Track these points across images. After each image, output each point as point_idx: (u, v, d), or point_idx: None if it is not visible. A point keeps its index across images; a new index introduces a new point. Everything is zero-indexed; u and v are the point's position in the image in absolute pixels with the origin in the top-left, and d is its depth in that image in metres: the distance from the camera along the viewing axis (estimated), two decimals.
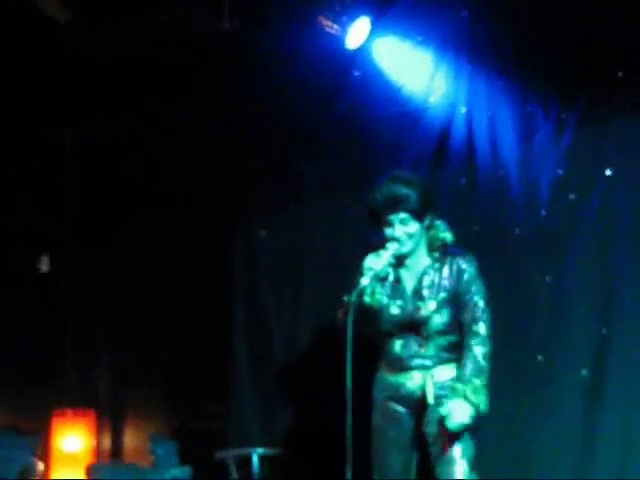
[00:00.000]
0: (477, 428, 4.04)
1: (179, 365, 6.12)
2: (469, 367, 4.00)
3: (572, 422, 4.82)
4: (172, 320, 6.20)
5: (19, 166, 6.40)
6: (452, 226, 4.25)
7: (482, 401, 3.96)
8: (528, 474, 4.86)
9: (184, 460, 5.75)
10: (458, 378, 4.02)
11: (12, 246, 6.48)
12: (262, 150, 5.88)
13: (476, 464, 4.03)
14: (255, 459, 5.13)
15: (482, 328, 4.06)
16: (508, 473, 4.87)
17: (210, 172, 5.96)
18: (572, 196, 4.95)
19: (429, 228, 4.16)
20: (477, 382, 3.97)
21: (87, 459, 6.48)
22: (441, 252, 4.15)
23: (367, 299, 4.00)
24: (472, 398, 3.94)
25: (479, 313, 4.08)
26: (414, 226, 4.08)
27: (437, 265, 4.14)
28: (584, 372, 4.82)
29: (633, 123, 4.81)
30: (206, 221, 6.03)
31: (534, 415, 4.91)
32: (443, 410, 3.94)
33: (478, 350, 4.03)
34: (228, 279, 5.98)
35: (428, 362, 4.09)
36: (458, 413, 3.93)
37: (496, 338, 4.10)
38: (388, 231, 4.07)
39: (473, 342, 4.04)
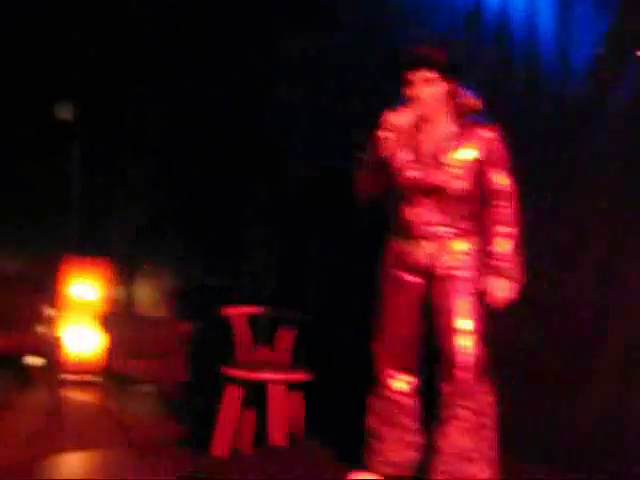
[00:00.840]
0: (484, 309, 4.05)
1: (193, 220, 6.08)
2: (506, 245, 3.99)
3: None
4: (188, 176, 6.13)
5: None
6: (481, 95, 4.13)
7: (521, 275, 3.99)
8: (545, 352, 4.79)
9: (197, 316, 5.81)
10: (495, 254, 3.99)
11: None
12: None
13: (483, 339, 4.02)
14: (263, 317, 5.14)
15: (510, 202, 4.02)
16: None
17: None
18: (607, 75, 4.80)
19: (456, 94, 4.04)
20: (517, 258, 4.00)
21: (101, 308, 6.56)
22: (467, 119, 4.05)
23: (385, 152, 3.91)
24: (515, 274, 3.98)
25: (506, 186, 4.04)
26: (438, 87, 3.97)
27: (461, 132, 4.04)
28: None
29: None
30: None
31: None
32: (489, 286, 3.96)
33: (511, 226, 4.00)
34: None
35: (442, 230, 4.03)
36: (501, 291, 3.98)
37: (518, 222, 4.04)
38: (413, 91, 3.97)
39: (501, 216, 4.01)
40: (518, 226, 4.03)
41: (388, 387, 4.21)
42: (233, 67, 5.90)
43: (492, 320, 4.07)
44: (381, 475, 4.19)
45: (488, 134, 4.03)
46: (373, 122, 3.98)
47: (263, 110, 5.79)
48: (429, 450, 4.09)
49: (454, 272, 4.01)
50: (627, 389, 4.55)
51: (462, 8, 5.11)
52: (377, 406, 4.24)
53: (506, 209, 4.02)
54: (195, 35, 6.02)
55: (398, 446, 4.19)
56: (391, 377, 4.21)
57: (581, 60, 4.84)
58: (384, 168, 3.99)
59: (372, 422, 4.24)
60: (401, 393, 4.21)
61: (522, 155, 4.17)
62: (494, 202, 4.03)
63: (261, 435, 4.78)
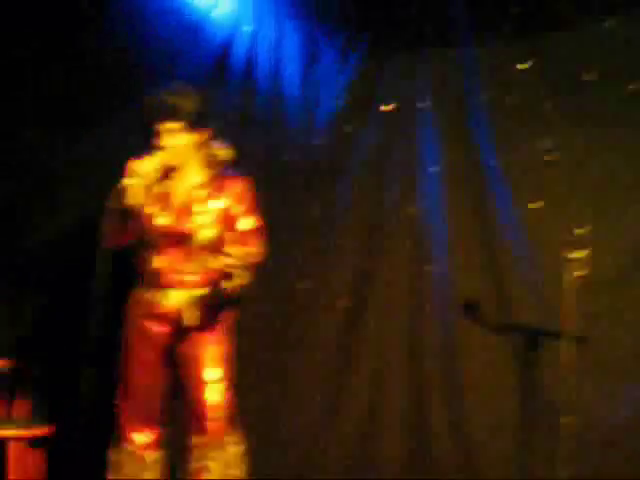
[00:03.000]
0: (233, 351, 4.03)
1: None
2: (233, 256, 3.90)
3: (327, 350, 4.92)
4: None
5: None
6: (229, 146, 4.13)
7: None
8: (288, 392, 4.94)
9: None
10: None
11: None
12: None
13: (231, 386, 3.99)
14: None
15: (249, 246, 4.00)
16: (266, 394, 4.92)
17: None
18: (348, 128, 4.97)
19: (204, 144, 4.02)
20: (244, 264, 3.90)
21: None
22: (216, 170, 4.03)
23: (130, 200, 3.78)
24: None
25: (254, 227, 4.02)
26: (185, 137, 3.92)
27: (212, 182, 4.02)
28: (343, 302, 4.90)
29: (411, 61, 4.90)
30: None
31: (293, 339, 4.97)
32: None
33: (245, 254, 3.95)
34: None
35: (189, 279, 3.96)
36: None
37: (263, 257, 4.03)
38: (158, 141, 3.89)
39: (242, 249, 3.96)
40: (255, 262, 3.98)
41: (131, 441, 4.07)
42: None
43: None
44: None
45: (237, 185, 4.03)
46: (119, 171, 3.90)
47: None
48: None
49: (201, 321, 3.93)
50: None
51: (209, 56, 5.12)
52: (119, 460, 4.07)
53: (252, 243, 3.99)
54: None
55: None
56: (134, 431, 4.06)
57: (325, 111, 4.97)
58: (130, 217, 3.89)
59: (113, 477, 4.07)
60: (145, 447, 4.07)
61: (271, 204, 4.22)
62: (241, 238, 3.99)
63: None
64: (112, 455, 4.08)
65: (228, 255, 3.73)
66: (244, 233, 4.01)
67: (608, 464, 4.39)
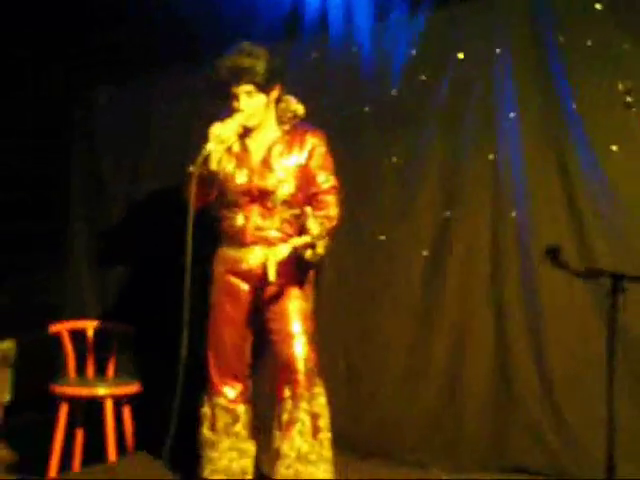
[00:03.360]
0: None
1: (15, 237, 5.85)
2: (314, 226, 3.81)
3: (410, 296, 4.93)
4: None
5: None
6: (302, 100, 4.17)
7: (322, 247, 3.80)
8: (367, 343, 4.97)
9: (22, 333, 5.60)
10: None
11: None
12: (100, 23, 5.55)
13: (315, 339, 4.04)
14: (91, 332, 5.01)
15: (333, 202, 4.04)
16: (349, 342, 4.98)
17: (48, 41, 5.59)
18: (423, 77, 4.94)
19: (278, 101, 4.08)
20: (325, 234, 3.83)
21: None
22: (291, 125, 4.09)
23: (213, 165, 3.84)
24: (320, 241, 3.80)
25: (330, 186, 4.06)
26: (260, 98, 3.97)
27: (287, 138, 4.07)
28: (425, 253, 4.90)
29: (482, 8, 4.82)
30: (46, 91, 5.71)
31: (375, 288, 4.99)
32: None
33: (328, 218, 3.98)
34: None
35: (271, 235, 4.03)
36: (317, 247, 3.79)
37: (340, 220, 4.08)
38: (235, 103, 3.95)
39: (323, 212, 4.00)
40: (336, 223, 4.02)
41: (221, 395, 4.18)
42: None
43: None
44: None
45: (312, 139, 4.07)
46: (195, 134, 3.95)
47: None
48: (267, 454, 4.07)
49: (285, 277, 3.99)
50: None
51: (280, 12, 5.13)
52: (210, 415, 4.20)
53: (327, 208, 4.02)
54: None
55: (232, 454, 4.17)
56: (224, 385, 4.18)
57: (399, 61, 4.94)
58: (213, 180, 3.94)
59: (206, 431, 4.20)
60: (234, 401, 4.19)
61: (338, 157, 4.22)
62: (317, 203, 4.02)
63: (93, 451, 4.67)
64: (206, 409, 4.21)
65: (308, 230, 3.72)
66: (322, 192, 4.04)
67: None
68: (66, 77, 5.69)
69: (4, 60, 5.55)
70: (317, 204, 4.02)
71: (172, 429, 3.61)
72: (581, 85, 4.61)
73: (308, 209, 3.84)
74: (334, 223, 4.01)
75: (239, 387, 4.19)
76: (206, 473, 4.17)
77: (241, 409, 4.20)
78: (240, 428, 4.19)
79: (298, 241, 3.75)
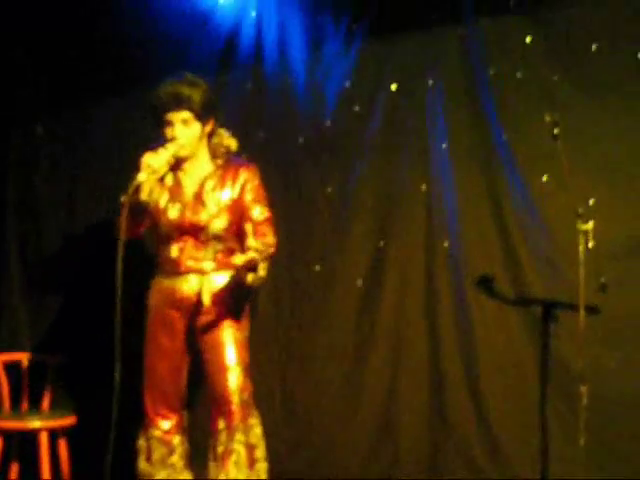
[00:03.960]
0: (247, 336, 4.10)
1: None
2: (256, 243, 3.82)
3: (345, 326, 4.97)
4: None
5: None
6: (237, 132, 4.21)
7: (264, 270, 3.84)
8: (302, 373, 5.01)
9: None
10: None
11: None
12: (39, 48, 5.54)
13: (250, 371, 4.06)
14: (25, 364, 4.97)
15: (269, 233, 4.07)
16: (285, 372, 5.01)
17: None
18: (357, 108, 5.00)
19: (212, 134, 4.10)
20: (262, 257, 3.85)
21: None
22: (224, 160, 4.11)
23: (144, 196, 3.83)
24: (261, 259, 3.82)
25: (264, 218, 4.09)
26: (196, 128, 3.99)
27: (219, 172, 4.10)
28: (359, 283, 4.94)
29: (415, 41, 4.91)
30: None
31: (310, 318, 5.03)
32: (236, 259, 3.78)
33: (261, 249, 3.92)
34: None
35: (206, 266, 4.04)
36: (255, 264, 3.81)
37: (276, 248, 4.10)
38: (169, 131, 3.96)
39: (255, 245, 3.97)
40: (270, 252, 3.99)
41: (156, 427, 4.16)
42: None
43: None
44: None
45: (245, 174, 4.10)
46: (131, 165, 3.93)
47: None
48: None
49: (219, 306, 4.01)
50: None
51: (217, 44, 5.17)
52: (146, 447, 4.18)
53: (263, 238, 4.01)
54: None
55: None
56: (159, 417, 4.16)
57: (332, 92, 5.00)
58: (144, 210, 3.93)
59: (142, 463, 4.18)
60: (169, 432, 4.17)
61: (274, 188, 4.26)
62: (254, 229, 4.02)
63: None
64: (141, 442, 4.19)
65: (249, 249, 3.74)
66: (258, 224, 4.06)
67: (625, 432, 4.42)
68: (5, 107, 5.64)
69: None
70: (256, 235, 4.01)
71: (108, 461, 3.58)
72: (511, 116, 4.71)
73: (247, 226, 3.88)
74: (271, 250, 4.01)
75: (174, 418, 4.18)
76: None
77: (176, 440, 4.18)
78: (176, 459, 4.18)
79: (240, 259, 3.72)
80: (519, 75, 4.69)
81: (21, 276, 5.53)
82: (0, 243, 5.61)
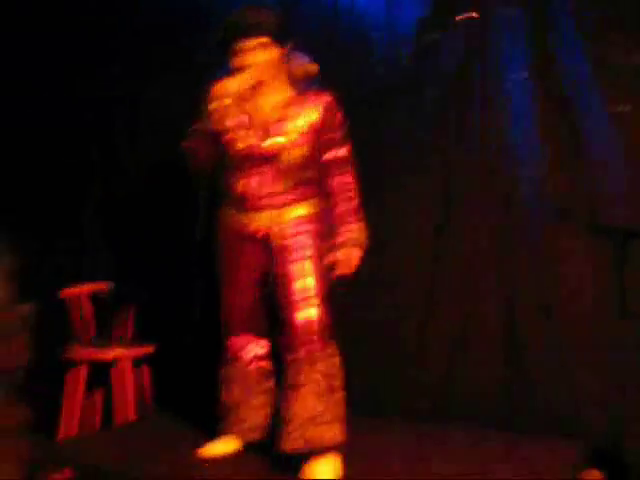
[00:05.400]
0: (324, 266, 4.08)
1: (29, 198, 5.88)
2: (351, 208, 4.02)
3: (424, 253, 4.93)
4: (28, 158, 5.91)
5: None
6: (315, 60, 4.10)
7: (366, 240, 4.04)
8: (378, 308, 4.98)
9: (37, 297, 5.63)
10: (342, 221, 4.02)
11: None
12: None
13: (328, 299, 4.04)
14: (106, 295, 5.07)
15: (350, 167, 4.06)
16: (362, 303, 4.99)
17: None
18: (431, 36, 4.93)
19: (289, 58, 4.00)
20: (361, 223, 4.03)
21: None
22: (304, 85, 4.02)
23: (217, 125, 3.83)
24: (363, 241, 4.03)
25: (345, 153, 4.06)
26: (272, 52, 3.91)
27: (299, 98, 4.01)
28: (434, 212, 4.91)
29: None
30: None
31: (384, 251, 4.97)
32: (337, 256, 3.98)
33: (353, 190, 4.05)
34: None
35: (278, 200, 3.99)
36: (355, 259, 4.01)
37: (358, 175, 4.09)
38: (240, 59, 3.88)
39: (345, 182, 4.05)
40: (357, 193, 4.06)
41: (242, 354, 4.19)
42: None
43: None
44: (245, 442, 4.19)
45: (324, 100, 4.01)
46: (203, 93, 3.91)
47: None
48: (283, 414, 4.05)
49: (293, 239, 3.99)
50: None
51: None
52: (233, 374, 4.21)
53: (347, 175, 4.04)
54: None
55: (259, 411, 4.19)
56: (243, 343, 4.20)
57: (407, 25, 4.94)
58: (216, 139, 3.91)
59: (230, 390, 4.21)
60: (255, 358, 4.20)
61: (354, 120, 4.22)
62: (334, 169, 4.04)
63: (110, 414, 4.73)
64: (223, 372, 4.23)
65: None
66: (335, 160, 4.05)
67: None
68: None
69: None
70: (335, 171, 4.04)
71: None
72: (590, 46, 4.61)
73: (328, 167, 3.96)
74: (356, 192, 4.05)
75: (259, 344, 4.21)
76: (234, 432, 4.19)
77: (263, 365, 4.22)
78: (265, 384, 4.21)
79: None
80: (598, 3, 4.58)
81: (103, 214, 5.62)
82: (82, 179, 5.71)
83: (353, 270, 4.05)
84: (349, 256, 4.02)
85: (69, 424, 4.72)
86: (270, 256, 4.03)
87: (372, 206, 4.22)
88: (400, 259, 4.96)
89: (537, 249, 4.71)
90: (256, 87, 3.94)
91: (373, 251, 4.13)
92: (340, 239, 4.03)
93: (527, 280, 4.71)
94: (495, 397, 4.69)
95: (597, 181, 4.60)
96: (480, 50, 4.86)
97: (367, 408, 4.68)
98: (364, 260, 4.06)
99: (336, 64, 4.92)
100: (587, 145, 4.63)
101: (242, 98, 3.90)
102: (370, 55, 5.04)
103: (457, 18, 4.85)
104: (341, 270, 4.03)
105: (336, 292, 4.08)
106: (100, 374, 4.92)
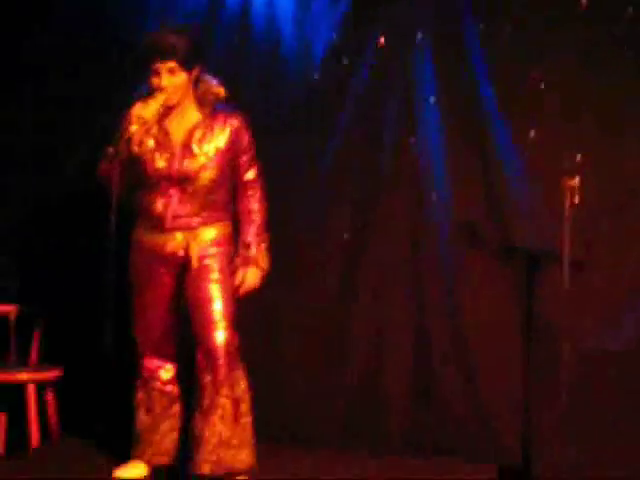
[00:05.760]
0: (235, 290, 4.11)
1: None
2: (252, 231, 4.08)
3: (331, 283, 4.99)
4: None
5: None
6: (224, 83, 4.12)
7: (267, 262, 4.12)
8: (278, 328, 5.03)
9: None
10: (243, 243, 4.07)
11: None
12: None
13: (236, 324, 4.06)
14: (12, 317, 4.98)
15: (258, 190, 4.10)
16: (269, 330, 5.02)
17: None
18: (345, 61, 4.98)
19: (198, 81, 4.02)
20: (263, 245, 4.10)
21: None
22: (212, 107, 4.04)
23: (135, 149, 3.86)
24: (261, 263, 4.09)
25: (254, 175, 4.10)
26: (182, 76, 3.92)
27: (208, 121, 4.03)
28: (345, 236, 4.96)
29: None
30: None
31: (298, 275, 5.02)
32: (237, 278, 4.05)
33: (258, 214, 4.09)
34: None
35: (193, 221, 4.01)
36: (250, 280, 4.07)
37: (266, 202, 4.13)
38: (156, 80, 3.90)
39: (251, 205, 4.09)
40: (264, 214, 4.11)
41: (156, 378, 4.21)
42: None
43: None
44: (154, 466, 4.20)
45: (234, 122, 4.05)
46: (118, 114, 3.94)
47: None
48: (191, 438, 4.07)
49: (205, 261, 4.01)
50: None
51: None
52: (143, 398, 4.22)
53: (253, 198, 4.10)
54: None
55: (172, 435, 4.22)
56: (157, 368, 4.22)
57: (320, 46, 4.97)
58: (131, 162, 3.93)
59: (139, 415, 4.22)
60: (168, 382, 4.23)
61: (266, 142, 4.24)
62: (242, 191, 4.10)
63: (13, 439, 4.66)
64: (140, 395, 4.22)
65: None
66: (245, 182, 4.10)
67: (605, 391, 4.48)
68: None
69: None
70: (243, 194, 4.10)
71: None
72: (499, 70, 4.70)
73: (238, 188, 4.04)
74: (262, 215, 4.12)
75: (172, 369, 4.23)
76: (143, 456, 4.19)
77: (174, 389, 4.24)
78: (178, 408, 4.23)
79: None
80: (508, 30, 4.67)
81: (6, 230, 5.51)
82: None
83: (252, 290, 4.09)
84: (248, 276, 4.07)
85: None
86: (183, 277, 4.04)
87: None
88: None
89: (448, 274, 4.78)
90: (168, 109, 3.97)
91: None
92: (239, 260, 4.08)
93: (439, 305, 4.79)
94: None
95: (506, 204, 4.69)
96: (391, 74, 4.91)
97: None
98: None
99: (248, 86, 4.95)
100: (497, 170, 4.71)
101: (154, 121, 3.94)
102: (281, 78, 5.04)
103: (376, 43, 4.90)
104: (242, 290, 4.08)
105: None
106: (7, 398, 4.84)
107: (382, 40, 4.90)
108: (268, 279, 4.16)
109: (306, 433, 4.85)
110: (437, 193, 4.83)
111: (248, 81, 5.02)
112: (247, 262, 4.08)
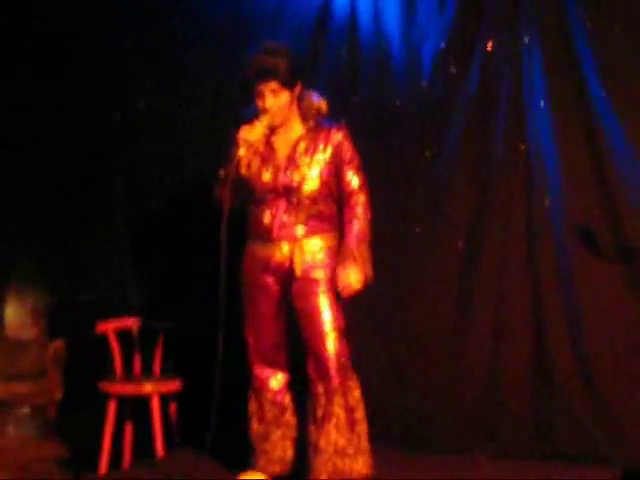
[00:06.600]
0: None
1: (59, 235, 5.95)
2: (354, 237, 4.06)
3: (447, 287, 4.98)
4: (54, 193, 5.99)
5: None
6: (332, 97, 4.20)
7: (369, 268, 4.06)
8: (406, 338, 5.03)
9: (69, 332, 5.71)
10: (344, 247, 4.06)
11: None
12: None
13: (346, 333, 4.08)
14: (135, 330, 5.13)
15: (361, 199, 4.11)
16: (389, 335, 5.04)
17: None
18: (453, 69, 4.97)
19: (301, 97, 4.11)
20: (364, 250, 4.07)
21: None
22: (315, 121, 4.12)
23: (243, 170, 3.98)
24: (362, 265, 4.03)
25: (357, 185, 4.12)
26: (284, 96, 4.01)
27: (311, 134, 4.11)
28: (460, 243, 4.95)
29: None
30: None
31: (413, 282, 5.04)
32: (337, 279, 4.02)
33: (360, 221, 4.09)
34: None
35: (297, 232, 4.08)
36: (351, 280, 4.01)
37: (375, 210, 4.13)
38: (260, 102, 4.02)
39: (354, 213, 4.09)
40: (367, 223, 4.10)
41: (267, 388, 4.27)
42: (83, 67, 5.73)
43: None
44: (269, 475, 4.23)
45: (336, 135, 4.11)
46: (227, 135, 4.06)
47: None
48: (307, 447, 4.12)
49: (312, 272, 4.07)
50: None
51: (310, 11, 5.18)
52: (258, 408, 4.29)
53: (357, 208, 4.10)
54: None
55: (284, 444, 4.26)
56: (268, 377, 4.27)
57: (427, 56, 4.98)
58: (242, 182, 4.04)
59: (255, 425, 4.29)
60: (279, 391, 4.28)
61: (376, 153, 4.27)
62: (346, 202, 4.12)
63: (139, 448, 4.79)
64: (252, 404, 4.30)
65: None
66: (349, 192, 4.10)
67: None
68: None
69: None
70: (347, 204, 4.11)
71: (213, 421, 3.77)
72: (610, 71, 4.62)
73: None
74: (365, 223, 4.10)
75: (283, 378, 4.28)
76: (259, 465, 4.25)
77: (287, 398, 4.28)
78: (289, 417, 4.28)
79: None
80: (617, 29, 4.59)
81: (129, 244, 5.68)
82: (109, 214, 5.77)
83: (349, 292, 4.05)
84: (349, 277, 4.01)
85: (106, 457, 4.81)
86: (291, 288, 4.11)
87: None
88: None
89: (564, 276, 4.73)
90: (274, 127, 4.07)
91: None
92: (339, 262, 4.04)
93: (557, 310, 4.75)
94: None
95: (622, 211, 4.64)
96: (499, 79, 4.89)
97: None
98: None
99: (357, 99, 4.99)
100: (612, 173, 4.65)
101: (263, 139, 4.04)
102: (388, 86, 5.07)
103: (484, 48, 4.90)
104: (344, 291, 4.04)
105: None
106: (132, 408, 4.98)
107: (490, 44, 4.88)
108: (382, 287, 4.17)
109: (425, 438, 4.86)
110: (551, 198, 4.78)
111: (357, 94, 5.07)
112: (347, 263, 4.04)
